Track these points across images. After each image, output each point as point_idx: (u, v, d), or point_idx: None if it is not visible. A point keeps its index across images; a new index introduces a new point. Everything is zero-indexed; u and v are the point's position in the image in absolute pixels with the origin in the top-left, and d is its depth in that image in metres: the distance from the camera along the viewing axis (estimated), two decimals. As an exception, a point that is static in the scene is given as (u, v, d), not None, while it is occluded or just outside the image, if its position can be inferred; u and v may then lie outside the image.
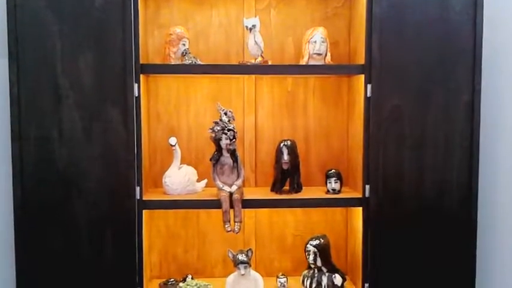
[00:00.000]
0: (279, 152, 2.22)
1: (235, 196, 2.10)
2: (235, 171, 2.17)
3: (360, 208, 2.16)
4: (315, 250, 2.20)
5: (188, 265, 2.43)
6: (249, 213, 2.41)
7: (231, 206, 2.09)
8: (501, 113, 2.35)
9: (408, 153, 2.11)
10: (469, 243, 2.14)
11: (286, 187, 2.26)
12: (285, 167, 2.21)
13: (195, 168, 2.29)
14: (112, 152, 2.02)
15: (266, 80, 2.41)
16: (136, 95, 2.03)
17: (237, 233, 2.10)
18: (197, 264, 2.44)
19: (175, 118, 2.39)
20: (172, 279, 2.31)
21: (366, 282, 2.14)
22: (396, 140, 2.10)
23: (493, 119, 2.32)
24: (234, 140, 2.13)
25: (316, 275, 2.24)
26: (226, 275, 2.22)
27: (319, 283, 2.23)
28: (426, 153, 2.11)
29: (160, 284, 2.31)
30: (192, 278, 2.28)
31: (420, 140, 2.11)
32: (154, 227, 2.41)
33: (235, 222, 2.08)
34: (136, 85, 2.02)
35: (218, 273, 2.43)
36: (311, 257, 2.21)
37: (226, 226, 2.07)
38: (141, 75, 2.06)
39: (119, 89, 2.01)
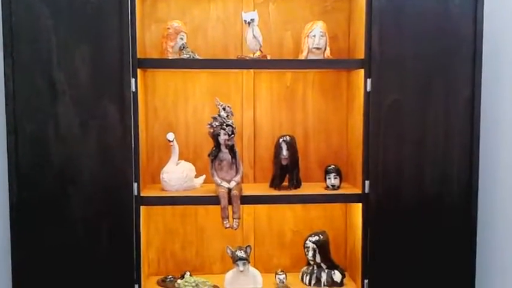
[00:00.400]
0: (278, 148, 2.21)
1: (234, 192, 2.08)
2: (234, 167, 2.15)
3: (360, 204, 2.14)
4: (314, 246, 2.20)
5: (187, 262, 2.42)
6: (247, 210, 2.40)
7: (230, 202, 2.07)
8: (501, 107, 2.33)
9: (408, 148, 2.09)
10: (469, 240, 2.13)
11: (285, 183, 2.25)
12: (284, 162, 2.20)
13: (193, 164, 2.27)
14: (108, 147, 2.00)
15: (265, 74, 2.39)
16: (133, 90, 2.01)
17: (235, 229, 2.08)
18: (195, 260, 2.43)
19: (172, 113, 2.37)
20: (170, 276, 2.29)
21: (366, 279, 2.13)
22: (396, 135, 2.08)
23: (493, 113, 2.31)
24: (233, 135, 2.11)
25: (315, 272, 2.23)
26: (224, 272, 2.21)
27: (318, 279, 2.22)
28: (426, 148, 2.10)
29: (158, 281, 2.29)
30: (190, 275, 2.26)
31: (420, 135, 2.09)
32: (151, 224, 2.39)
33: (233, 218, 2.07)
34: (133, 80, 2.00)
35: (216, 269, 2.41)
36: (310, 253, 2.21)
37: (225, 222, 2.06)
38: (138, 70, 2.03)
39: (116, 84, 1.99)
